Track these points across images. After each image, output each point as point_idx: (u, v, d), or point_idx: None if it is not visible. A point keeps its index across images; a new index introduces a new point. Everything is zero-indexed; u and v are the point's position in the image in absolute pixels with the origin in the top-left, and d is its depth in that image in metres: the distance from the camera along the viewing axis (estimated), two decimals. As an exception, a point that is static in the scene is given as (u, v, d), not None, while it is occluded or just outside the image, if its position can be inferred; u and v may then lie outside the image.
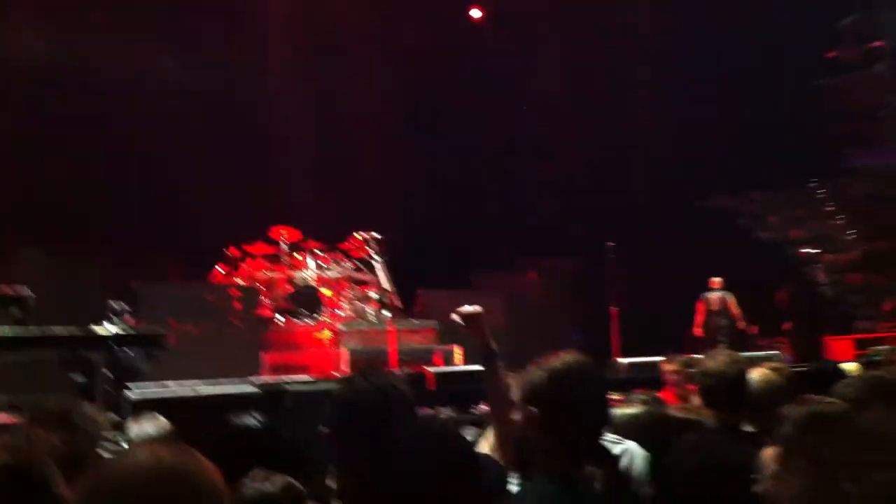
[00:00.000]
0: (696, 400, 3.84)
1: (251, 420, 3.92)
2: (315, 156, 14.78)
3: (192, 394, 5.77)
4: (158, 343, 6.45)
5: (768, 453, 2.45)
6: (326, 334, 10.74)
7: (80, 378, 5.82)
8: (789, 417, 2.80)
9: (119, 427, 3.74)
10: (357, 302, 11.53)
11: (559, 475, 2.62)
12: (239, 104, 14.06)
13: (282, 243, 11.74)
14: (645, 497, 3.04)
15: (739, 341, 12.53)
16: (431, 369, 8.91)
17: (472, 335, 3.26)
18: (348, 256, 11.94)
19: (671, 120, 16.31)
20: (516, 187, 16.81)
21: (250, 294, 11.30)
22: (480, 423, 3.84)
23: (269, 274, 11.53)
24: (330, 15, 15.07)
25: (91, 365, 5.92)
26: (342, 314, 11.28)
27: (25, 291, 6.37)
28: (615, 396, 3.81)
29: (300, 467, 3.32)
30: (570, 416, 2.64)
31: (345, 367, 9.87)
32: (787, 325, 14.44)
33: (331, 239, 12.02)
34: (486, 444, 3.22)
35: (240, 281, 11.41)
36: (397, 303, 11.26)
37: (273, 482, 3.30)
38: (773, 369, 4.14)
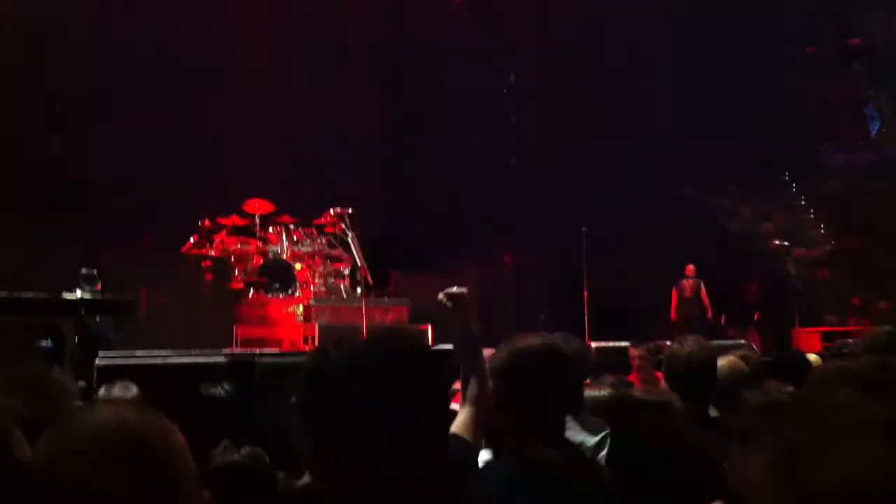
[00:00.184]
0: (662, 385, 3.88)
1: (221, 391, 3.91)
2: (294, 130, 14.70)
3: (161, 362, 5.75)
4: (128, 311, 6.42)
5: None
6: (298, 309, 10.72)
7: (48, 344, 5.78)
8: (749, 404, 2.85)
9: (88, 394, 3.73)
10: (329, 278, 11.52)
11: (516, 454, 2.65)
12: (217, 75, 13.96)
13: (256, 217, 11.69)
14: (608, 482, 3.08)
15: (708, 329, 12.64)
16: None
17: (455, 315, 3.27)
18: (322, 232, 11.91)
19: (650, 109, 16.40)
20: (496, 173, 16.80)
21: (222, 266, 11.26)
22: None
23: (242, 247, 11.48)
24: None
25: (60, 331, 5.89)
26: (314, 289, 11.26)
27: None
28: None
29: (269, 438, 3.34)
30: (528, 396, 2.66)
31: (315, 342, 9.87)
32: (756, 316, 14.61)
33: (305, 214, 11.98)
34: (456, 424, 3.24)
35: (212, 253, 11.35)
36: (370, 280, 11.25)
37: (241, 453, 3.32)
38: (741, 357, 4.19)
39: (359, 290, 11.12)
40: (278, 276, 11.25)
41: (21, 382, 2.79)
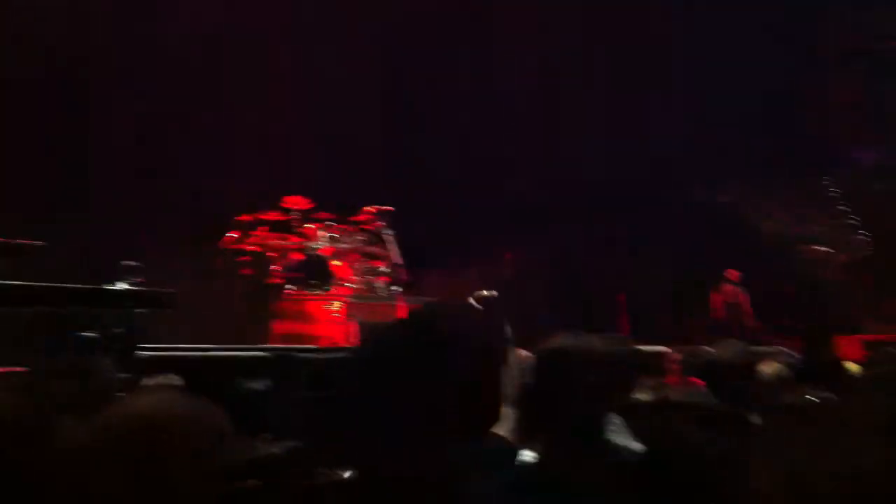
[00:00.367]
0: (699, 389, 3.87)
1: (260, 385, 3.96)
2: (334, 126, 14.75)
3: (203, 355, 5.81)
4: (169, 304, 6.49)
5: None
6: (336, 306, 10.77)
7: (91, 335, 5.85)
8: (775, 411, 2.83)
9: (130, 386, 3.77)
10: (367, 275, 11.56)
11: (545, 454, 2.65)
12: (261, 71, 14.06)
13: (295, 212, 11.76)
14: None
15: (748, 335, 12.57)
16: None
17: (485, 318, 3.28)
18: (360, 229, 11.96)
19: (677, 109, 16.26)
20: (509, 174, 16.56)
21: (261, 262, 11.34)
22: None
23: (281, 242, 11.56)
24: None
25: (102, 323, 5.95)
26: (352, 286, 11.31)
27: (37, 244, 6.39)
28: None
29: (306, 433, 3.37)
30: (535, 395, 2.67)
31: (353, 340, 9.91)
32: (794, 322, 14.48)
33: (344, 211, 12.04)
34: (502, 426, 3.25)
35: (251, 248, 11.44)
36: (407, 278, 11.28)
37: (280, 446, 3.36)
38: (782, 363, 4.16)
39: (396, 288, 11.15)
40: (315, 272, 11.31)
41: (68, 371, 2.84)
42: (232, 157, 13.30)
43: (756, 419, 3.62)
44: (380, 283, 11.53)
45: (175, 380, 3.81)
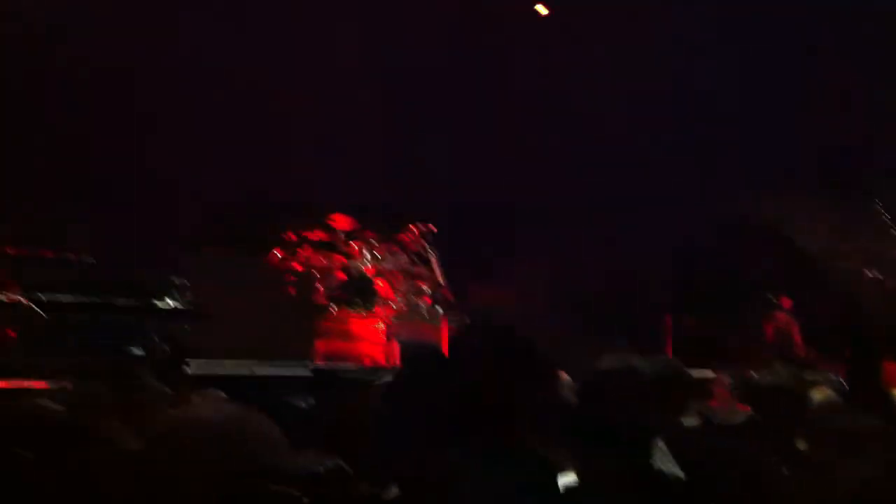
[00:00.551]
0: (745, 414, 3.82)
1: (304, 403, 3.98)
2: (378, 146, 14.80)
3: (248, 373, 5.86)
4: (215, 322, 6.56)
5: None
6: (379, 326, 10.80)
7: (137, 350, 5.94)
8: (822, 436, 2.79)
9: (176, 401, 3.81)
10: (410, 295, 11.59)
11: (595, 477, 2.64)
12: (306, 94, 14.17)
13: (339, 232, 11.83)
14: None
15: (797, 363, 12.40)
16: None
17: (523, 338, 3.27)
18: (404, 249, 11.99)
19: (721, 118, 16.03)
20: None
21: (305, 280, 11.41)
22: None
23: (326, 261, 11.63)
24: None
25: (149, 339, 6.04)
26: (395, 307, 11.34)
27: (88, 258, 6.50)
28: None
29: (350, 450, 3.37)
30: (604, 418, 2.66)
31: (396, 360, 9.93)
32: (840, 347, 14.24)
33: (388, 230, 12.08)
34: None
35: (296, 267, 11.51)
36: (450, 298, 11.29)
37: (323, 462, 3.36)
38: (829, 389, 4.10)
39: (439, 308, 11.16)
40: (359, 291, 11.36)
41: (116, 378, 2.88)
42: (281, 174, 13.39)
43: (802, 445, 3.57)
44: (423, 303, 11.54)
45: (219, 395, 3.84)
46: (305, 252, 11.67)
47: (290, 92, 13.78)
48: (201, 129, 12.82)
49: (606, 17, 15.91)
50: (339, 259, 11.72)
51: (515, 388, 1.82)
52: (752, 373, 5.24)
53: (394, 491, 2.08)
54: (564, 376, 3.84)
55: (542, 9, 16.18)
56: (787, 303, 14.11)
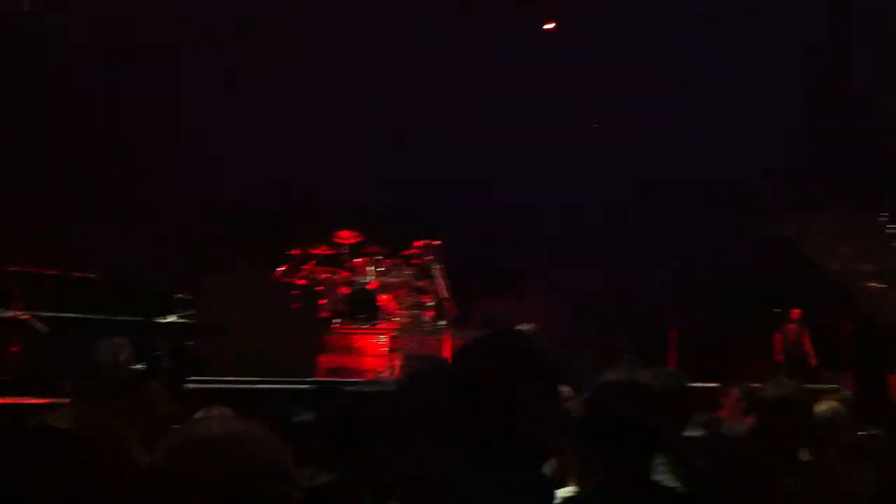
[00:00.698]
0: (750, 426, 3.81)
1: (308, 416, 3.98)
2: (382, 161, 14.80)
3: (252, 387, 5.86)
4: (220, 337, 6.57)
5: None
6: (382, 339, 10.80)
7: (144, 366, 5.93)
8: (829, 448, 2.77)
9: (183, 417, 3.80)
10: (414, 309, 11.58)
11: (596, 489, 2.63)
12: (313, 108, 14.17)
13: (344, 247, 11.84)
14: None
15: (808, 376, 12.38)
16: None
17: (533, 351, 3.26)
18: (409, 263, 11.99)
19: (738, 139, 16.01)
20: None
21: (310, 295, 11.41)
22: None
23: (330, 276, 11.63)
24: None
25: (155, 354, 6.04)
26: (398, 320, 11.33)
27: (96, 275, 6.53)
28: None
29: (354, 464, 3.37)
30: (608, 433, 2.64)
31: (399, 373, 9.92)
32: (849, 359, 14.20)
33: (392, 245, 12.08)
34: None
35: (301, 282, 11.52)
36: (454, 312, 11.28)
37: (327, 476, 3.36)
38: (837, 401, 4.08)
39: (443, 321, 11.15)
40: (363, 305, 11.36)
41: (128, 394, 2.89)
42: (285, 190, 13.39)
43: (808, 456, 3.56)
44: (426, 316, 11.53)
45: (225, 411, 3.84)
46: (310, 267, 11.68)
47: (294, 99, 13.75)
48: (206, 142, 12.84)
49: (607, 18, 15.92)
50: (343, 274, 11.72)
51: (515, 389, 1.81)
52: (759, 385, 5.23)
53: (395, 496, 2.08)
54: (568, 391, 3.84)
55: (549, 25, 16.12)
56: (796, 314, 14.07)
